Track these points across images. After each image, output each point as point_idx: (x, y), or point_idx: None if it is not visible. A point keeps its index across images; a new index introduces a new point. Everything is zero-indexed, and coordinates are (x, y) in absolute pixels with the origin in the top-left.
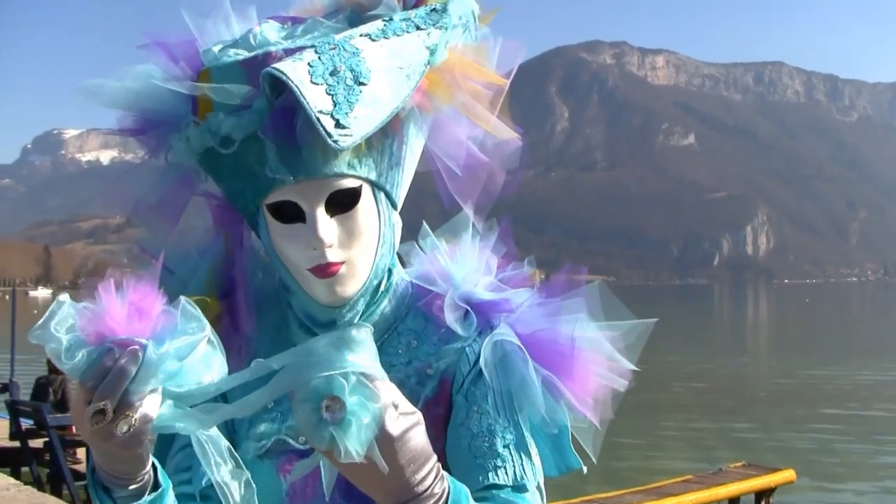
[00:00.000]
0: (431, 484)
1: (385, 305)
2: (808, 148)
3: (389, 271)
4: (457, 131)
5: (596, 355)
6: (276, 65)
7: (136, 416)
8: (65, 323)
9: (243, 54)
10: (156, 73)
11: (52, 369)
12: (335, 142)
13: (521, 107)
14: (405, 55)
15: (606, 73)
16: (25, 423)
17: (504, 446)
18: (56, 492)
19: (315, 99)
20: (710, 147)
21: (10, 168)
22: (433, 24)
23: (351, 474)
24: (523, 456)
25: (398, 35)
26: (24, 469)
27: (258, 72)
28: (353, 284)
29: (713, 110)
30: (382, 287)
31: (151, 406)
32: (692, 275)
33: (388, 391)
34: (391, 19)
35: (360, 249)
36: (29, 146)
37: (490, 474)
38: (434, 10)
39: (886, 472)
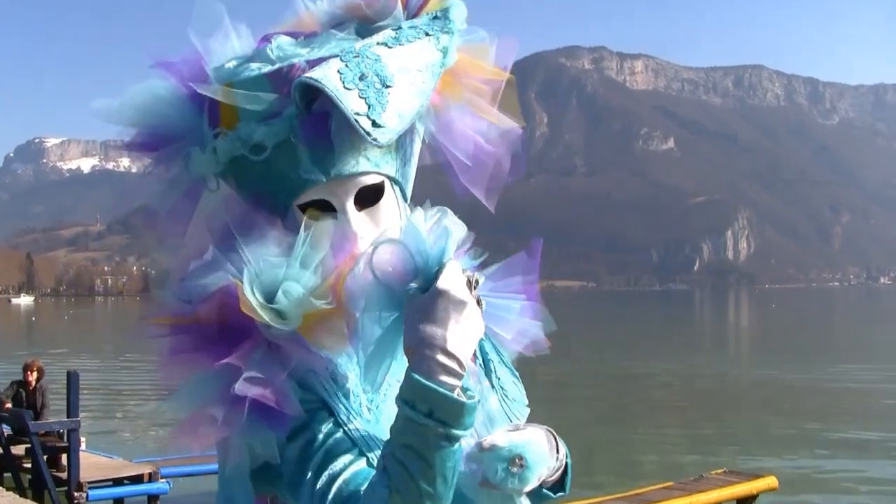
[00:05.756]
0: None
1: None
2: (790, 152)
3: None
4: (464, 126)
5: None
6: (308, 74)
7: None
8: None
9: (267, 67)
10: (160, 89)
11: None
12: (374, 140)
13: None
14: (420, 59)
15: (585, 78)
16: (6, 430)
17: None
18: (38, 498)
19: (351, 102)
20: (690, 151)
21: None
22: (440, 30)
23: None
24: None
25: (410, 42)
26: (7, 475)
27: (284, 82)
28: None
29: (693, 114)
30: None
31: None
32: (673, 280)
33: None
34: (400, 27)
35: None
36: (11, 155)
37: None
38: (436, 17)
39: (868, 483)
